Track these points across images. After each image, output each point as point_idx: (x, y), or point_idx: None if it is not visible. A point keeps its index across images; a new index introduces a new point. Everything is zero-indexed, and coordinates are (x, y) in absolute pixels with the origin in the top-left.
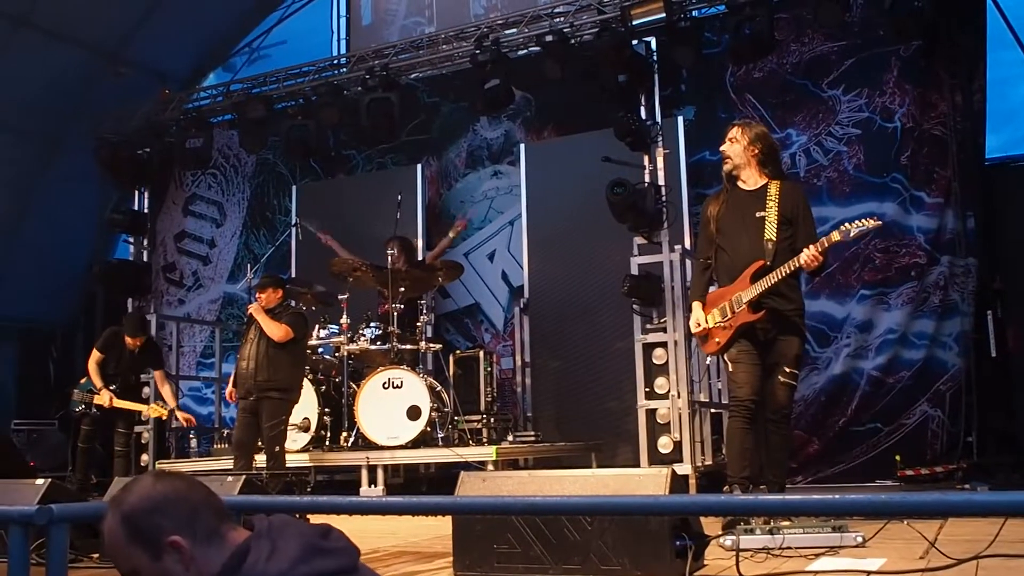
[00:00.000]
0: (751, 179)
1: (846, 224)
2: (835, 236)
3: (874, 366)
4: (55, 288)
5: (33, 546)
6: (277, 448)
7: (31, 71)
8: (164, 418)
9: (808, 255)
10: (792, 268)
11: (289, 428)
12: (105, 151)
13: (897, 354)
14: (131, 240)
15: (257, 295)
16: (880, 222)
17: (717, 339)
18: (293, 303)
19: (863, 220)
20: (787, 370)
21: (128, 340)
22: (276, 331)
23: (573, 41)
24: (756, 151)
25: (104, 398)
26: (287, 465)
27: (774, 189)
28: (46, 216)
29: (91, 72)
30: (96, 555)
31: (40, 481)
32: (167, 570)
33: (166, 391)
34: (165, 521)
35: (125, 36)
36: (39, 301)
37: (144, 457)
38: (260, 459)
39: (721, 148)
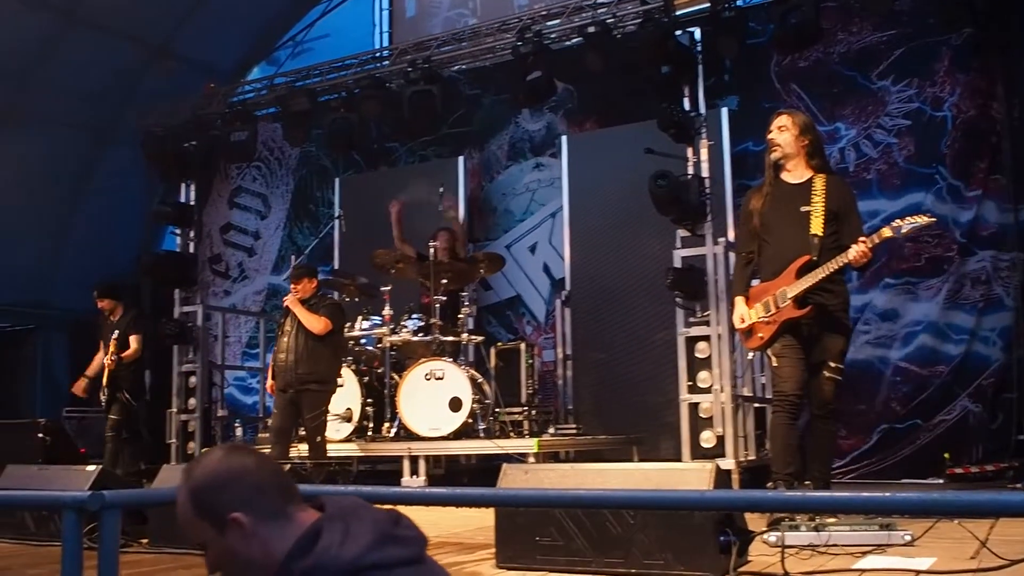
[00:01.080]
0: (797, 171)
1: (897, 220)
2: (886, 232)
3: (902, 356)
4: (104, 279)
5: (85, 531)
6: (319, 438)
7: (81, 65)
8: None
9: (858, 251)
10: (841, 264)
11: (332, 418)
12: (152, 144)
13: (931, 346)
14: (178, 232)
15: (292, 286)
16: (933, 219)
17: (760, 334)
18: (335, 294)
19: (916, 216)
20: (832, 365)
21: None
22: (316, 324)
23: (616, 32)
24: (806, 142)
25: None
26: (329, 455)
27: (820, 183)
28: (96, 208)
29: (139, 66)
30: (145, 540)
31: (91, 467)
32: (231, 545)
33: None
34: (228, 497)
35: (172, 30)
36: (89, 292)
37: (191, 445)
38: (301, 448)
39: (769, 136)
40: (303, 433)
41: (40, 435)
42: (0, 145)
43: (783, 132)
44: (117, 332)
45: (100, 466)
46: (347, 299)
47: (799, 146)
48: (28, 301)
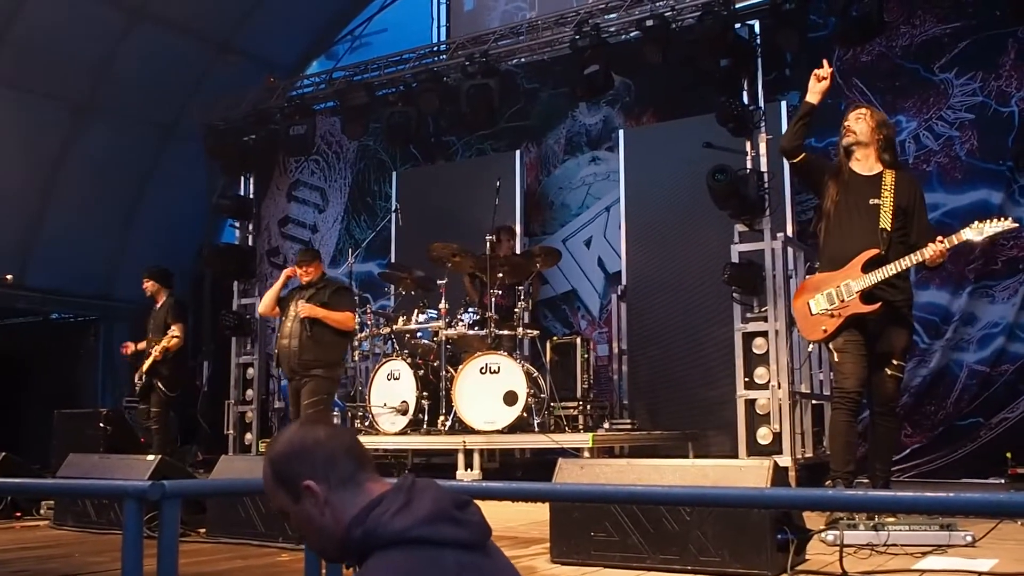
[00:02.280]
0: (868, 163)
1: (978, 222)
2: (966, 234)
3: (977, 360)
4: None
5: (145, 519)
6: None
7: (147, 60)
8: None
9: (936, 250)
10: (914, 262)
11: (387, 411)
12: (213, 138)
13: (1002, 348)
14: (237, 225)
15: (299, 271)
16: (1016, 223)
17: (824, 327)
18: (343, 280)
19: (999, 219)
20: (895, 362)
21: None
22: (343, 320)
23: (674, 25)
24: (881, 136)
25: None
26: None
27: (889, 178)
28: (159, 201)
29: (202, 61)
30: (203, 529)
31: (151, 457)
32: (306, 512)
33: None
34: (302, 467)
35: (234, 26)
36: None
37: (248, 436)
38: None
39: (846, 123)
40: None
41: (101, 424)
42: (72, 138)
43: (860, 121)
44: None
45: (160, 456)
46: (403, 292)
47: (874, 138)
48: (92, 292)
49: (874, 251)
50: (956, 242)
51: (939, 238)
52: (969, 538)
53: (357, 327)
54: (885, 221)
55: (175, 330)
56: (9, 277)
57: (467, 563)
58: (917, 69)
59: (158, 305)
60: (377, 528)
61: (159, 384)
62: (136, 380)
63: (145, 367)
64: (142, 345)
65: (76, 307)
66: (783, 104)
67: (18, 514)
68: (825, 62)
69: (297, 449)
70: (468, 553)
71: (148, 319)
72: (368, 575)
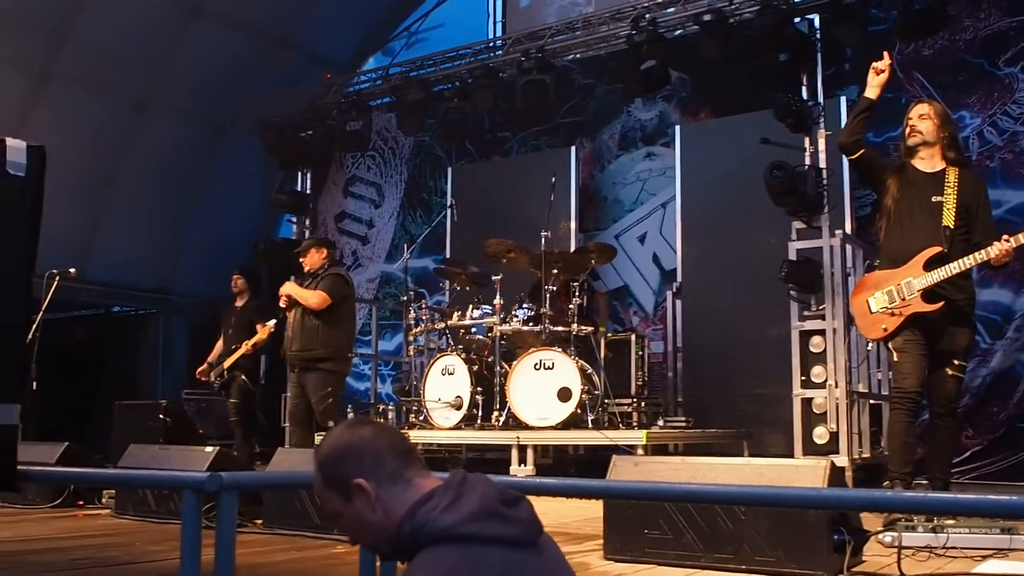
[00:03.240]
0: (931, 160)
1: None
2: None
3: None
4: (224, 266)
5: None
6: (331, 423)
7: (203, 56)
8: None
9: (1002, 249)
10: (978, 261)
11: (442, 406)
12: (271, 133)
13: None
14: (294, 220)
15: (301, 261)
16: None
17: (884, 325)
18: (340, 269)
19: None
20: (957, 362)
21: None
22: (312, 299)
23: (732, 20)
24: (946, 134)
25: (202, 371)
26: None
27: (953, 175)
28: (217, 196)
29: (258, 57)
30: (259, 520)
31: (209, 449)
32: (358, 511)
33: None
34: (351, 466)
35: (291, 22)
36: (209, 278)
37: None
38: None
39: (910, 122)
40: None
41: (161, 416)
42: (131, 134)
43: (924, 120)
44: (242, 319)
45: (218, 447)
46: (458, 288)
47: (939, 136)
48: (151, 286)
49: (937, 249)
50: (1023, 240)
51: (1005, 237)
52: None
53: (351, 315)
54: (948, 219)
55: (271, 325)
56: (72, 271)
57: (514, 560)
58: (981, 63)
59: (240, 303)
60: (426, 524)
61: (242, 377)
62: (215, 377)
63: (230, 362)
64: (214, 355)
65: (136, 301)
66: (842, 100)
67: (80, 503)
68: (886, 53)
69: (345, 449)
70: (516, 550)
71: (225, 316)
72: (414, 570)
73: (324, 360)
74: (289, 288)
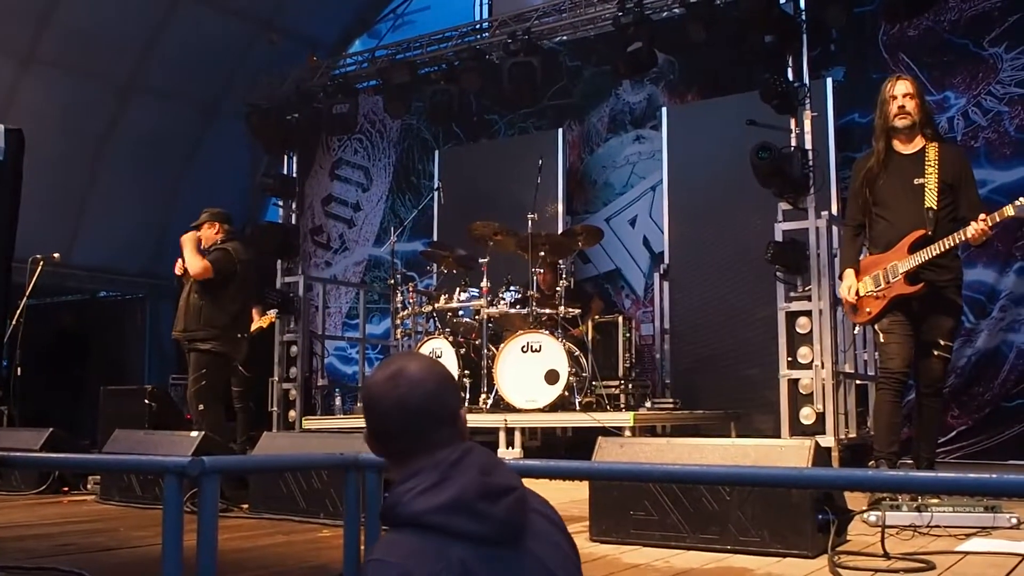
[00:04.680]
0: (911, 140)
1: (1021, 198)
2: (1009, 211)
3: None
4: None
5: (188, 495)
6: (201, 406)
7: (188, 39)
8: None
9: (977, 229)
10: (956, 242)
11: None
12: (256, 117)
13: None
14: (280, 203)
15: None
16: None
17: (868, 309)
18: (232, 242)
19: None
20: (942, 343)
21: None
22: (194, 264)
23: (718, 1)
24: (925, 111)
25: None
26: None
27: (932, 153)
28: (203, 180)
29: (245, 40)
30: (246, 505)
31: (194, 434)
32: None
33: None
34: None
35: (277, 4)
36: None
37: (292, 413)
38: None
39: (898, 102)
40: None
41: (147, 401)
42: (116, 118)
43: (910, 99)
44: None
45: (203, 432)
46: (445, 271)
47: (921, 114)
48: (137, 271)
49: (921, 232)
50: (998, 219)
51: (981, 216)
52: (1014, 520)
53: (236, 296)
54: (931, 200)
55: (271, 315)
56: (56, 255)
57: (478, 557)
58: (966, 44)
59: None
60: (397, 505)
61: (239, 366)
62: None
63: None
64: None
65: (122, 285)
66: (828, 81)
67: (65, 489)
68: (849, 288)
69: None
70: (483, 548)
71: None
72: (375, 549)
73: (204, 340)
74: (185, 239)
